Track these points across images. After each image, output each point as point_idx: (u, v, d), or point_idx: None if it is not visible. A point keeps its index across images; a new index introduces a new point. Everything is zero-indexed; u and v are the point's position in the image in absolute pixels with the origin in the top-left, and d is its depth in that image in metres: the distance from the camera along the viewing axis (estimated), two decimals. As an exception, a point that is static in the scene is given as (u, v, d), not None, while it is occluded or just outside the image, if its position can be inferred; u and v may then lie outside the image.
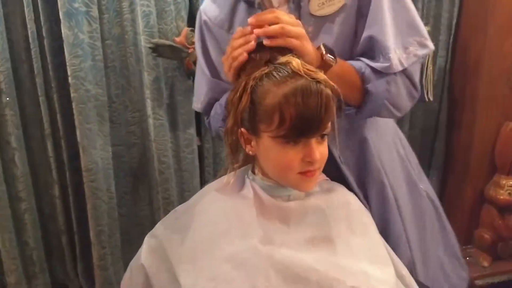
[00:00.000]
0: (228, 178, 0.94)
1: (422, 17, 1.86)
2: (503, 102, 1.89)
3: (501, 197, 1.92)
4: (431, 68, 1.87)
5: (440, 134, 2.07)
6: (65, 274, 1.79)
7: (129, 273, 0.96)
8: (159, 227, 0.97)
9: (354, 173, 1.08)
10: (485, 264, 2.01)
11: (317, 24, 1.01)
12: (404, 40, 0.99)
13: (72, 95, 1.53)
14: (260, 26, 0.85)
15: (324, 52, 0.91)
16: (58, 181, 1.66)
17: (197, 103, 1.15)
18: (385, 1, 0.98)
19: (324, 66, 0.91)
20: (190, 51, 1.61)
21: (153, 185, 1.73)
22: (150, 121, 1.64)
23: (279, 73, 0.81)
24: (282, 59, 0.84)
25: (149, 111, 1.63)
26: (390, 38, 0.98)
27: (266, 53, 0.85)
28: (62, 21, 1.46)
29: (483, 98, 1.88)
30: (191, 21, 1.64)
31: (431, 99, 1.90)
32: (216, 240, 0.85)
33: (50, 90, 1.58)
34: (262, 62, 0.85)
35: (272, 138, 0.82)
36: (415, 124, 2.05)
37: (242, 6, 1.04)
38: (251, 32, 0.86)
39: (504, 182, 1.93)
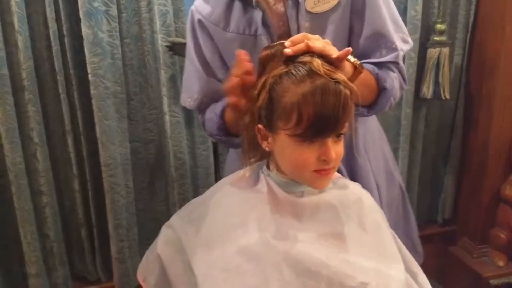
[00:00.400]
0: (244, 172, 0.96)
1: (438, 15, 1.85)
2: (520, 101, 1.87)
3: (518, 197, 1.91)
4: (447, 66, 1.85)
5: (457, 132, 2.05)
6: (84, 267, 1.83)
7: (145, 262, 0.99)
8: (175, 218, 0.99)
9: (346, 161, 1.13)
10: (501, 263, 2.00)
11: (314, 21, 1.04)
12: (398, 34, 1.07)
13: (91, 92, 1.56)
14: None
15: (355, 60, 0.92)
16: (78, 176, 1.70)
17: (189, 100, 1.17)
18: None
19: (355, 74, 0.93)
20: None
21: (169, 181, 1.76)
22: (167, 118, 1.66)
23: (299, 72, 0.82)
24: (303, 58, 0.84)
25: (165, 108, 1.65)
26: (392, 31, 1.05)
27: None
28: (82, 20, 1.49)
29: (499, 97, 1.86)
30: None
31: (448, 97, 1.89)
32: (229, 233, 0.87)
33: (70, 88, 1.61)
34: (282, 59, 0.85)
35: (289, 136, 0.83)
36: (431, 122, 2.04)
37: (237, 4, 1.06)
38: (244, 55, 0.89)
39: (521, 181, 1.92)
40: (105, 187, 1.65)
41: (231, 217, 0.89)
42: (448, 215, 2.17)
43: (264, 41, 1.05)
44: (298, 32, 1.03)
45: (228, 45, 1.09)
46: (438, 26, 1.84)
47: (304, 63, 0.83)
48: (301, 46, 0.85)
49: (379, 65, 1.07)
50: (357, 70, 0.92)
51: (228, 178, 0.99)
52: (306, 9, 1.03)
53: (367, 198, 0.97)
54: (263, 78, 0.86)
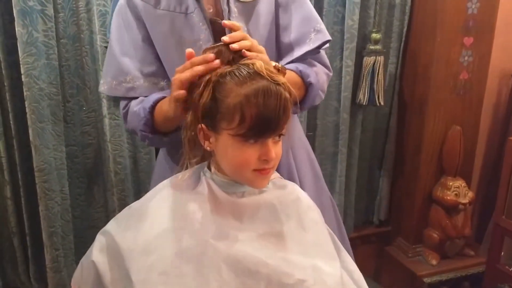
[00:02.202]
0: (183, 175, 0.96)
1: (374, 25, 1.93)
2: (450, 106, 1.98)
3: (448, 198, 2.01)
4: (382, 73, 1.93)
5: (391, 137, 2.14)
6: (16, 277, 1.74)
7: (79, 270, 0.95)
8: (111, 224, 0.96)
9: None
10: (434, 262, 2.09)
11: (241, 8, 1.09)
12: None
13: (25, 93, 1.50)
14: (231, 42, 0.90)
15: (276, 63, 0.96)
16: (10, 182, 1.61)
17: (115, 83, 1.13)
18: None
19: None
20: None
21: (108, 186, 1.71)
22: (106, 121, 1.62)
23: (242, 73, 0.84)
24: (246, 60, 0.87)
25: (104, 111, 1.61)
26: (317, 15, 1.15)
27: (229, 53, 0.88)
28: (16, 19, 1.43)
29: (431, 103, 1.96)
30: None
31: (382, 103, 1.97)
32: (169, 236, 0.86)
33: (2, 89, 1.54)
34: (225, 60, 0.87)
35: (232, 136, 0.84)
36: (367, 128, 2.12)
37: None
38: (213, 59, 0.88)
39: (450, 183, 2.02)
40: (39, 193, 1.59)
41: (170, 220, 0.89)
42: (383, 216, 2.25)
43: (195, 18, 1.07)
44: (229, 15, 1.07)
45: (158, 23, 1.09)
46: (374, 35, 1.92)
47: (247, 64, 0.85)
48: (246, 43, 0.88)
49: (300, 61, 1.14)
50: (280, 72, 0.96)
51: (167, 181, 0.98)
52: None
53: (305, 198, 1.00)
54: (206, 78, 0.87)
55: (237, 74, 0.84)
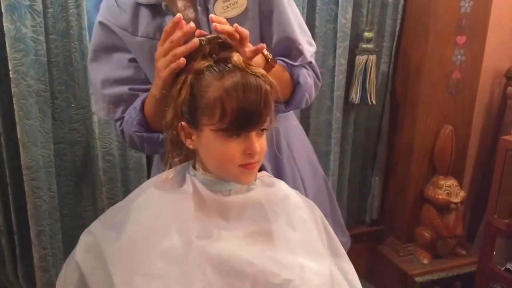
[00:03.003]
0: (167, 174, 0.95)
1: (366, 24, 1.92)
2: (442, 106, 1.97)
3: (440, 197, 2.01)
4: (374, 73, 1.93)
5: (383, 136, 2.13)
6: (4, 276, 1.72)
7: (63, 272, 0.95)
8: (95, 224, 0.96)
9: (271, 159, 1.15)
10: (425, 261, 2.09)
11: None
12: (304, 38, 1.13)
13: (13, 90, 1.48)
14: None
15: (268, 54, 0.97)
16: (-3, 180, 1.60)
17: (111, 113, 1.12)
18: (285, 4, 1.10)
19: (267, 67, 0.97)
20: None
21: (97, 184, 1.70)
22: (95, 118, 1.61)
23: (220, 67, 0.83)
24: (223, 54, 0.86)
25: (93, 107, 1.60)
26: (299, 35, 1.11)
27: (206, 46, 0.86)
28: (4, 14, 1.42)
29: (423, 102, 1.96)
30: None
31: (374, 102, 1.96)
32: (152, 237, 0.85)
33: (-11, 86, 1.53)
34: (201, 54, 0.86)
35: (214, 131, 0.83)
36: (359, 127, 2.11)
37: (144, 10, 1.06)
38: (193, 29, 0.87)
39: (442, 182, 2.02)
40: (26, 191, 1.57)
41: (154, 221, 0.88)
42: (375, 215, 2.25)
43: None
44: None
45: (137, 50, 1.08)
46: (366, 34, 1.91)
47: (225, 58, 0.84)
48: (229, 27, 0.87)
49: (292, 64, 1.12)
50: (269, 63, 0.96)
51: (151, 180, 0.98)
52: (215, 14, 1.02)
53: (293, 196, 0.99)
54: (184, 75, 0.86)
55: (215, 68, 0.83)
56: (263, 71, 0.86)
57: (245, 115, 0.81)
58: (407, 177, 2.08)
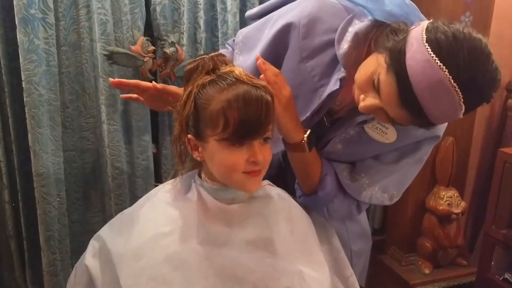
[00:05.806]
0: (173, 182, 0.99)
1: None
2: (443, 118, 2.00)
3: (441, 208, 2.03)
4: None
5: (385, 146, 2.15)
6: (13, 281, 1.75)
7: (73, 274, 0.99)
8: (104, 229, 1.00)
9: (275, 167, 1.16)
10: (427, 271, 2.10)
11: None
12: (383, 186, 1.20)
13: (25, 99, 1.52)
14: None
15: (306, 138, 1.01)
16: (9, 186, 1.64)
17: None
18: (407, 166, 1.27)
19: (296, 148, 1.02)
20: (145, 59, 1.64)
21: (105, 191, 1.73)
22: (105, 126, 1.65)
23: (222, 80, 0.87)
24: (225, 68, 0.89)
25: (103, 116, 1.64)
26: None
27: (209, 64, 0.90)
28: (18, 26, 1.46)
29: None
30: (147, 31, 1.68)
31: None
32: (158, 242, 0.89)
33: (3, 95, 1.57)
34: (204, 71, 0.90)
35: (218, 141, 0.86)
36: (363, 137, 2.13)
37: (331, 53, 1.04)
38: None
39: (443, 193, 2.04)
40: (37, 197, 1.60)
41: (159, 227, 0.91)
42: (378, 225, 2.27)
43: (322, 93, 1.06)
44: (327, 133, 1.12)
45: (291, 72, 1.08)
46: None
47: (227, 72, 0.88)
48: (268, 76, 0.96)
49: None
50: (300, 144, 1.02)
51: (158, 188, 1.01)
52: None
53: (295, 206, 1.02)
54: (188, 89, 0.90)
55: (217, 82, 0.87)
56: (264, 83, 0.89)
57: (247, 125, 0.84)
58: (409, 187, 2.08)
